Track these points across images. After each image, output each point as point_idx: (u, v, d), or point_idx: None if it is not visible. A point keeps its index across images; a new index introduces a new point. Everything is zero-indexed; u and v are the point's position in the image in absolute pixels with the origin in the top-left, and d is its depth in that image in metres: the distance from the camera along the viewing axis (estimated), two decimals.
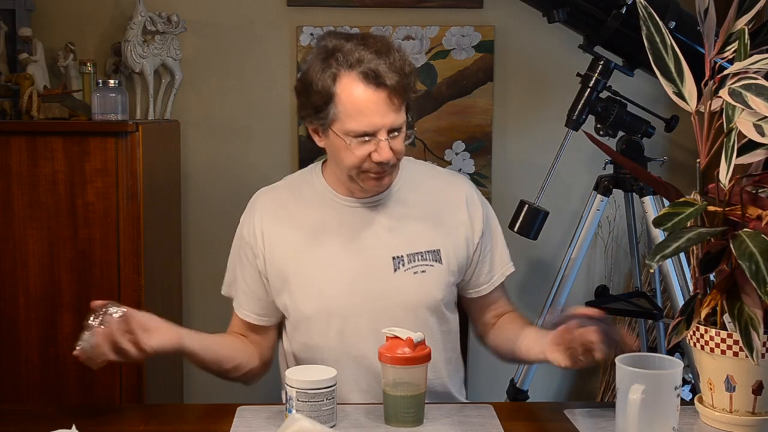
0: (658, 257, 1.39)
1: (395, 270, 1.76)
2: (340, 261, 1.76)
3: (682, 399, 1.42)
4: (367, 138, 1.66)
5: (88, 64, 2.74)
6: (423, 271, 1.77)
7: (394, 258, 1.76)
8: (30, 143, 2.40)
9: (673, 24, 2.30)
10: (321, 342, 1.77)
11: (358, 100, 1.64)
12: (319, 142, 1.76)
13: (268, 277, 1.80)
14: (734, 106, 1.46)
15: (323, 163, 1.85)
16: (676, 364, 1.43)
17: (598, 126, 2.47)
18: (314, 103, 1.68)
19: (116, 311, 1.56)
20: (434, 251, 1.79)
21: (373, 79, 1.64)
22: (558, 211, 2.87)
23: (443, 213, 1.82)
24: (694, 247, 1.54)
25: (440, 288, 1.79)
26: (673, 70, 1.54)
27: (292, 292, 1.78)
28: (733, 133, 1.46)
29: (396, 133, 1.68)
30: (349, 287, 1.76)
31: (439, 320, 1.81)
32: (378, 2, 2.91)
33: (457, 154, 2.95)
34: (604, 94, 2.48)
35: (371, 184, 1.73)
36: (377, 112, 1.65)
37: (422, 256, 1.78)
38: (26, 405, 2.23)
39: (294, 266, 1.78)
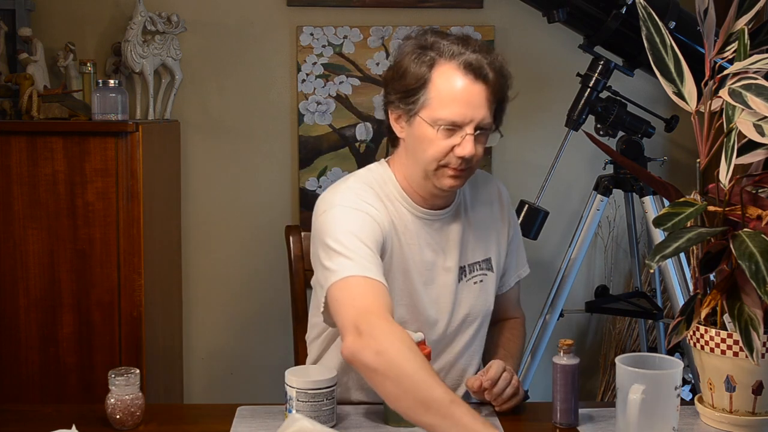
0: (658, 257, 1.39)
1: (458, 281, 1.76)
2: (415, 271, 1.72)
3: (682, 399, 1.42)
4: (454, 129, 1.62)
5: (88, 64, 2.74)
6: (481, 281, 1.78)
7: (460, 268, 1.76)
8: (30, 143, 2.40)
9: (673, 24, 2.30)
10: None
11: (454, 88, 1.62)
12: (400, 133, 1.70)
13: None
14: (734, 106, 1.47)
15: (388, 161, 1.78)
16: (676, 364, 1.43)
17: (598, 126, 2.47)
18: (406, 87, 1.65)
19: None
20: (487, 260, 1.81)
21: (473, 70, 1.62)
22: (558, 211, 2.87)
23: (488, 219, 1.82)
24: (694, 247, 1.54)
25: (493, 296, 1.82)
26: (673, 70, 1.54)
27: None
28: (733, 133, 1.46)
29: (481, 132, 1.65)
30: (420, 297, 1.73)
31: (486, 326, 1.84)
32: (378, 2, 2.91)
33: None
34: (604, 94, 2.48)
35: (447, 182, 1.66)
36: (471, 103, 1.62)
37: (479, 265, 1.79)
38: (26, 405, 2.23)
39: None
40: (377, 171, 1.76)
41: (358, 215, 1.64)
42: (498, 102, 1.68)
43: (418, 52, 1.65)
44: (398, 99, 1.67)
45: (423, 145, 1.65)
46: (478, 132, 1.64)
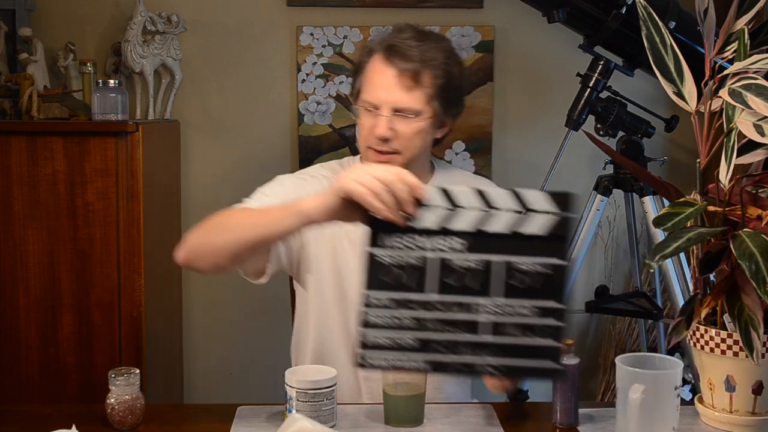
0: (658, 257, 1.39)
1: None
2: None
3: (682, 399, 1.42)
4: (373, 111, 1.70)
5: (88, 64, 2.74)
6: None
7: None
8: (30, 143, 2.40)
9: (673, 24, 2.30)
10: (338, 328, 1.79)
11: (374, 72, 1.72)
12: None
13: (303, 240, 1.77)
14: (734, 106, 1.46)
15: (360, 157, 1.85)
16: (676, 364, 1.43)
17: (598, 126, 2.47)
18: (353, 76, 1.77)
19: None
20: None
21: (391, 54, 1.69)
22: None
23: None
24: (694, 247, 1.54)
25: None
26: (673, 70, 1.54)
27: (321, 275, 1.78)
28: (733, 133, 1.46)
29: (404, 116, 1.69)
30: None
31: None
32: (378, 2, 2.91)
33: (457, 154, 2.95)
34: (604, 94, 2.48)
35: (373, 162, 1.72)
36: (383, 86, 1.70)
37: None
38: (26, 405, 2.23)
39: (326, 249, 1.77)
40: (347, 160, 1.88)
41: (281, 180, 1.80)
42: (435, 89, 1.70)
43: (368, 45, 1.77)
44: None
45: (358, 129, 1.77)
46: (398, 114, 1.69)
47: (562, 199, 1.28)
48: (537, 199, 1.28)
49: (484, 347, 1.27)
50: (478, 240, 1.27)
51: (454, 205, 1.28)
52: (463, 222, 1.28)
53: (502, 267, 1.27)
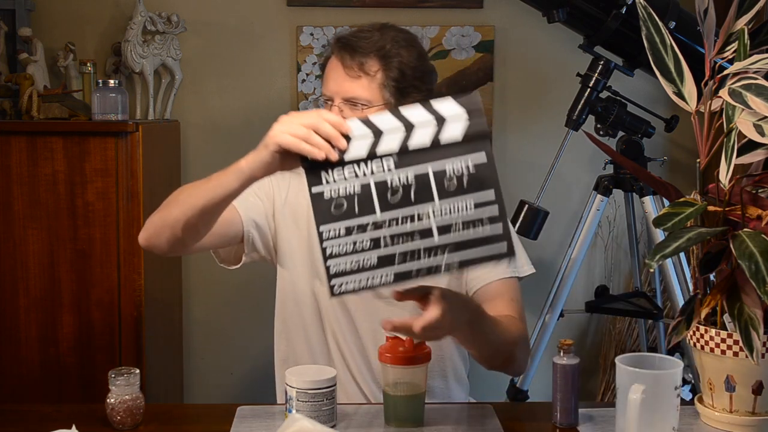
0: (658, 257, 1.39)
1: None
2: None
3: (682, 399, 1.42)
4: (329, 102, 1.73)
5: (88, 64, 2.74)
6: None
7: None
8: (30, 143, 2.40)
9: (673, 24, 2.30)
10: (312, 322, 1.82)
11: (328, 66, 1.75)
12: None
13: (277, 230, 1.81)
14: (734, 106, 1.46)
15: None
16: (676, 364, 1.43)
17: (598, 126, 2.47)
18: (321, 65, 1.79)
19: None
20: None
21: (339, 48, 1.71)
22: (558, 211, 2.87)
23: None
24: (694, 247, 1.54)
25: (444, 281, 1.74)
26: (673, 70, 1.54)
27: (293, 266, 1.80)
28: (733, 133, 1.46)
29: (354, 105, 1.70)
30: None
31: None
32: (378, 2, 2.91)
33: None
34: (604, 94, 2.48)
35: None
36: (333, 78, 1.72)
37: None
38: (26, 405, 2.23)
39: (298, 241, 1.80)
40: None
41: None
42: (385, 78, 1.71)
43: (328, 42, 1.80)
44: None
45: None
46: (348, 104, 1.70)
47: (469, 100, 1.41)
48: (448, 106, 1.40)
49: (437, 248, 1.37)
50: (405, 157, 1.38)
51: (377, 131, 1.39)
52: (389, 144, 1.39)
53: (432, 176, 1.38)
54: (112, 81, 2.53)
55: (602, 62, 2.42)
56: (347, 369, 1.80)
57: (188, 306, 2.99)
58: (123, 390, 1.54)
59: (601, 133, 2.47)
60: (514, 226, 2.39)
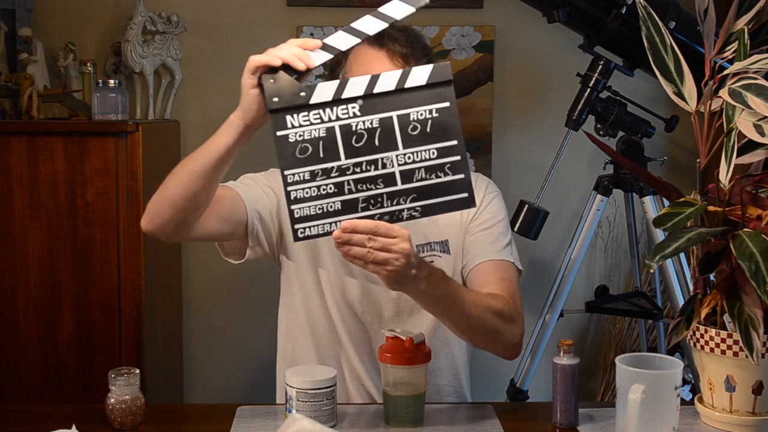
0: (658, 257, 1.39)
1: None
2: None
3: (682, 399, 1.42)
4: None
5: (88, 64, 2.74)
6: (431, 262, 1.77)
7: None
8: (30, 143, 2.40)
9: (673, 24, 2.30)
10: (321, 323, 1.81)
11: (361, 57, 1.73)
12: None
13: (282, 226, 1.80)
14: (734, 106, 1.47)
15: None
16: (676, 364, 1.43)
17: (598, 126, 2.47)
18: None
19: None
20: (443, 242, 1.80)
21: (378, 39, 1.70)
22: (558, 211, 2.87)
23: None
24: (694, 247, 1.54)
25: (442, 262, 1.77)
26: (673, 70, 1.54)
27: (299, 268, 1.81)
28: (733, 133, 1.46)
29: None
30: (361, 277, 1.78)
31: None
32: (378, 2, 2.89)
33: None
34: (604, 94, 2.48)
35: None
36: (377, 65, 1.70)
37: (431, 246, 1.79)
38: (26, 405, 2.23)
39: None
40: None
41: (271, 171, 1.88)
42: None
43: None
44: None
45: None
46: None
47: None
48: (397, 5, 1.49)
49: (400, 194, 1.41)
50: (370, 102, 1.42)
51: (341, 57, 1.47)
52: (354, 89, 1.42)
53: (396, 120, 1.42)
54: (112, 81, 2.53)
55: (602, 62, 2.42)
56: (353, 370, 1.80)
57: (188, 306, 2.99)
58: (123, 390, 1.54)
59: (601, 133, 2.47)
60: (514, 227, 2.39)
